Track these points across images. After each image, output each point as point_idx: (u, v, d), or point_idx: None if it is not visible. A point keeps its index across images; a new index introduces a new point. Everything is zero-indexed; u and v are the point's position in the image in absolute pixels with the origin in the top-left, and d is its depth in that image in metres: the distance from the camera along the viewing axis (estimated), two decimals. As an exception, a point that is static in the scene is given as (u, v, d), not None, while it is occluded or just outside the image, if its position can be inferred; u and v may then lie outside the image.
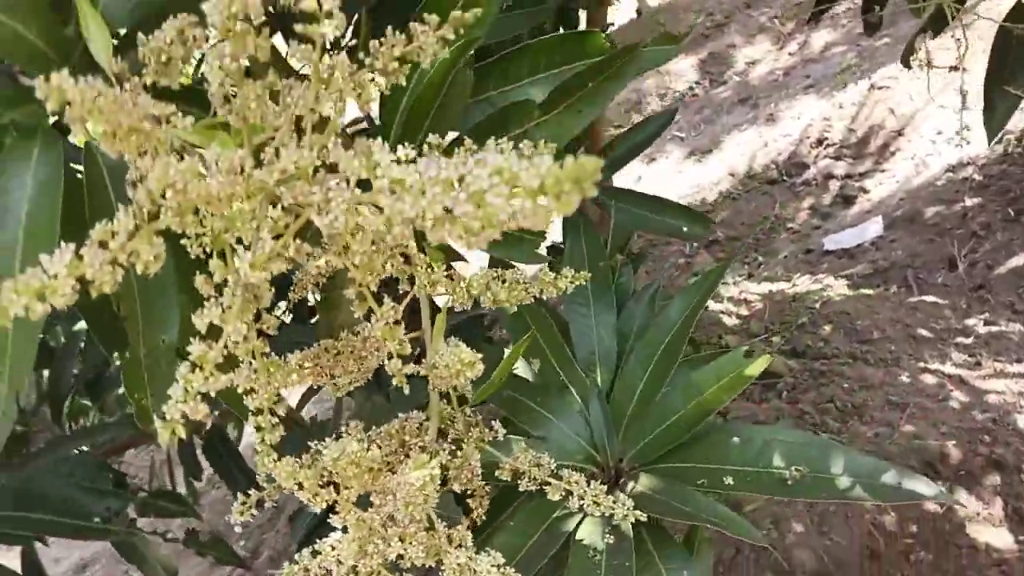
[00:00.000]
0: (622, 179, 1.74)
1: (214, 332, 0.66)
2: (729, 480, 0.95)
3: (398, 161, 0.56)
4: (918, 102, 5.33)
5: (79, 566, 4.76)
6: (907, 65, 1.68)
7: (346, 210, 0.56)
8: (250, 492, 0.88)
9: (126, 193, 0.75)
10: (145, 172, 0.66)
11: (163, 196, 0.56)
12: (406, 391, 0.83)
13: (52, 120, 0.85)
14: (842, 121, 5.72)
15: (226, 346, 0.64)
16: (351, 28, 1.22)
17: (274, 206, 0.61)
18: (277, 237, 0.61)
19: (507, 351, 1.27)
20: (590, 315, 1.21)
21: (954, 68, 1.57)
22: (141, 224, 0.60)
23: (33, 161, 0.74)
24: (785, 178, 5.55)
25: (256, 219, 0.61)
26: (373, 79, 0.68)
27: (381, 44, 0.68)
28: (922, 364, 3.13)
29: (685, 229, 1.46)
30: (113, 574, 4.46)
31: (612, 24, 1.76)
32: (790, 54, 7.47)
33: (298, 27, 0.61)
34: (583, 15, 1.75)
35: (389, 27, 0.69)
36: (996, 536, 2.53)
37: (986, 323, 3.44)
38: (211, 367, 0.62)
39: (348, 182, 0.57)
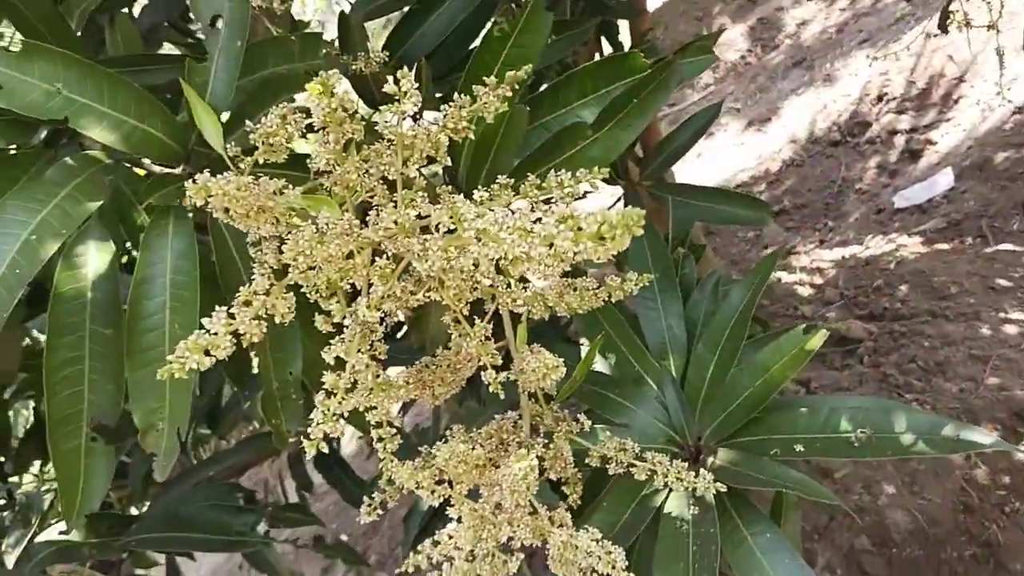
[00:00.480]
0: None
1: (338, 363, 0.78)
2: (800, 447, 1.04)
3: (478, 206, 0.67)
4: (976, 46, 5.22)
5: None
6: (944, 30, 1.72)
7: (441, 255, 0.68)
8: (374, 495, 1.02)
9: (247, 252, 0.89)
10: (265, 235, 0.80)
11: (293, 259, 0.69)
12: (501, 396, 0.95)
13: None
14: (901, 74, 5.63)
15: (351, 374, 0.76)
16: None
17: (379, 256, 0.73)
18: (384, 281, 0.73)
19: (583, 349, 1.39)
20: (658, 308, 1.31)
21: (991, 27, 1.60)
22: (274, 282, 0.73)
23: (170, 236, 0.88)
24: (848, 139, 5.50)
25: (366, 268, 0.73)
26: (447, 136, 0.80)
27: (451, 106, 0.80)
28: (1003, 315, 3.12)
29: (744, 216, 1.54)
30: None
31: (651, 29, 1.83)
32: (841, 10, 7.35)
33: (383, 107, 0.73)
34: (623, 23, 1.84)
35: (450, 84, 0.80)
36: (1093, 481, 2.53)
37: (1067, 266, 3.39)
38: (342, 393, 0.75)
39: (439, 231, 0.68)
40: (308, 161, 0.88)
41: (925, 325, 3.24)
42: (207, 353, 0.68)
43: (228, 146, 0.84)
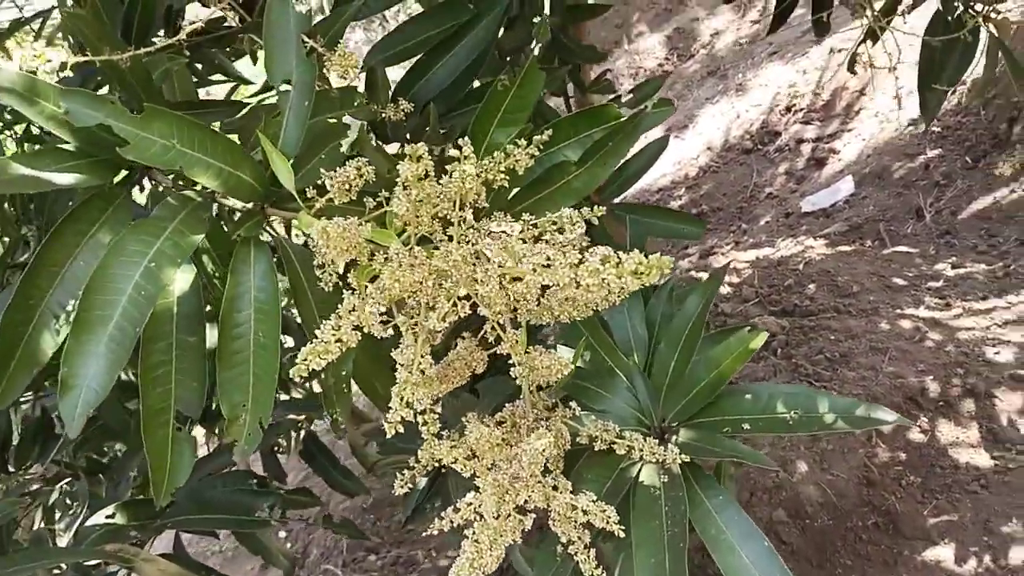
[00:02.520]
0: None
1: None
2: (747, 426, 1.29)
3: (523, 240, 0.89)
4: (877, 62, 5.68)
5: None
6: (852, 72, 2.02)
7: (496, 282, 0.90)
8: (404, 471, 1.23)
9: (313, 273, 1.10)
10: (330, 259, 1.00)
11: (391, 283, 0.90)
12: (520, 384, 1.18)
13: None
14: (808, 86, 6.06)
15: (418, 370, 0.97)
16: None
17: (445, 281, 0.95)
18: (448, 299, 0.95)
19: (560, 348, 1.62)
20: (624, 312, 1.56)
21: (891, 69, 1.91)
22: (359, 300, 0.94)
23: (252, 262, 1.07)
24: (760, 146, 5.91)
25: (435, 289, 0.95)
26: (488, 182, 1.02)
27: (490, 160, 1.02)
28: (899, 310, 3.50)
29: (684, 230, 1.81)
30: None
31: (608, 70, 2.06)
32: (752, 22, 7.78)
33: (449, 168, 0.94)
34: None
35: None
36: (974, 455, 2.91)
37: (954, 266, 3.81)
38: (411, 386, 0.96)
39: (497, 264, 0.90)
40: (364, 199, 1.09)
41: (831, 320, 3.60)
42: (320, 358, 0.89)
43: (308, 188, 1.04)
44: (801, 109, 5.92)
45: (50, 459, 2.00)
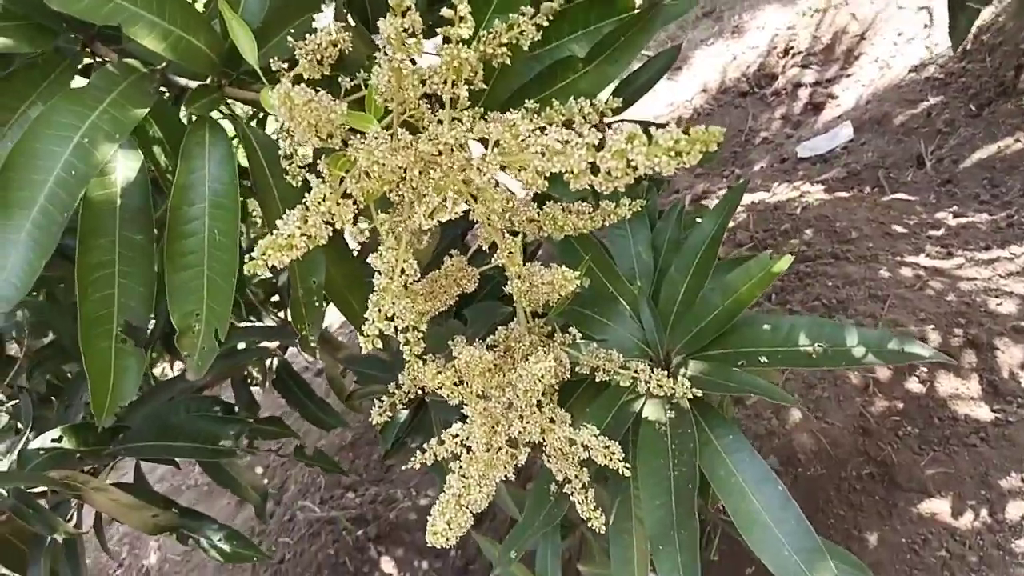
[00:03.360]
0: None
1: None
2: (764, 359, 1.16)
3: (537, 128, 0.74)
4: (878, 4, 5.51)
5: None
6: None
7: (495, 169, 0.75)
8: (383, 398, 1.09)
9: (276, 163, 0.94)
10: (298, 144, 0.85)
11: (368, 167, 0.75)
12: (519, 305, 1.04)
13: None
14: (806, 29, 5.87)
15: (399, 278, 0.83)
16: None
17: (434, 170, 0.80)
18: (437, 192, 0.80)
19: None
20: (627, 235, 1.41)
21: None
22: (332, 191, 0.79)
23: (207, 145, 0.92)
24: (756, 90, 5.72)
25: (421, 180, 0.80)
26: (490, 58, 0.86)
27: (489, 34, 0.86)
28: (899, 258, 3.38)
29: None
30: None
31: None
32: (750, -38, 7.54)
33: (440, 29, 0.79)
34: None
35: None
36: (974, 408, 2.82)
37: (955, 215, 3.68)
38: (392, 295, 0.82)
39: (498, 147, 0.75)
40: (339, 80, 0.93)
41: (828, 266, 3.48)
42: (284, 252, 0.74)
43: (272, 60, 0.88)
44: (799, 52, 5.73)
45: (6, 382, 1.86)
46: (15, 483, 1.17)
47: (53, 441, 1.28)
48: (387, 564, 3.50)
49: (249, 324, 2.14)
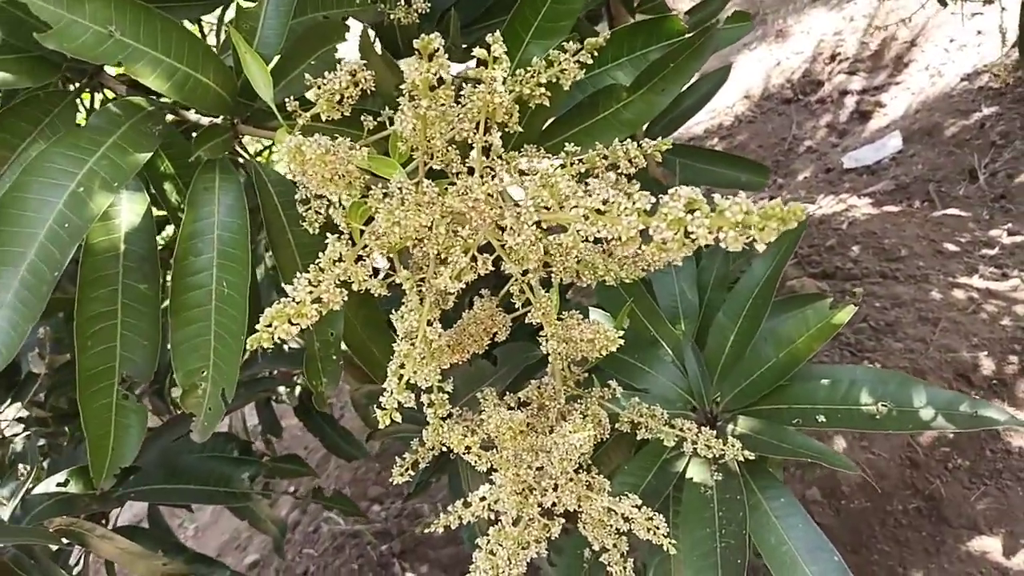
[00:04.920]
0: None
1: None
2: (821, 418, 1.07)
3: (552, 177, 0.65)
4: (929, 9, 5.32)
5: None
6: (943, 3, 1.75)
7: (533, 231, 0.67)
8: (406, 455, 1.01)
9: (293, 209, 0.86)
10: (315, 192, 0.77)
11: (388, 228, 0.66)
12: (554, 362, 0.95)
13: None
14: (854, 34, 5.70)
15: (422, 342, 0.75)
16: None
17: (462, 227, 0.71)
18: (465, 252, 0.72)
19: (592, 312, 1.39)
20: (671, 272, 1.32)
21: (988, 1, 1.63)
22: (349, 248, 0.71)
23: (217, 191, 0.84)
24: (801, 97, 5.57)
25: (447, 238, 0.71)
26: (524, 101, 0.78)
27: (527, 72, 0.78)
28: (951, 279, 3.24)
29: (744, 180, 1.55)
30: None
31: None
32: (795, -36, 7.36)
33: (472, 72, 0.70)
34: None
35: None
36: (1029, 439, 2.68)
37: (1010, 233, 3.52)
38: (414, 362, 0.73)
39: (533, 205, 0.67)
40: (362, 118, 0.85)
41: (876, 286, 3.34)
42: (291, 322, 0.66)
43: (287, 99, 0.80)
44: (846, 59, 5.57)
45: (28, 399, 1.81)
46: (15, 539, 1.11)
47: (59, 485, 1.22)
48: (412, 581, 3.44)
49: (273, 349, 2.08)
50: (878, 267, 3.42)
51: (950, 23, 5.16)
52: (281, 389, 2.45)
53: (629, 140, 0.86)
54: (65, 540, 1.19)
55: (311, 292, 0.67)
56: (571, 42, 0.81)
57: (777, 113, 5.57)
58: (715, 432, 1.03)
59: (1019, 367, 2.80)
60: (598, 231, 0.61)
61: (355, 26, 1.07)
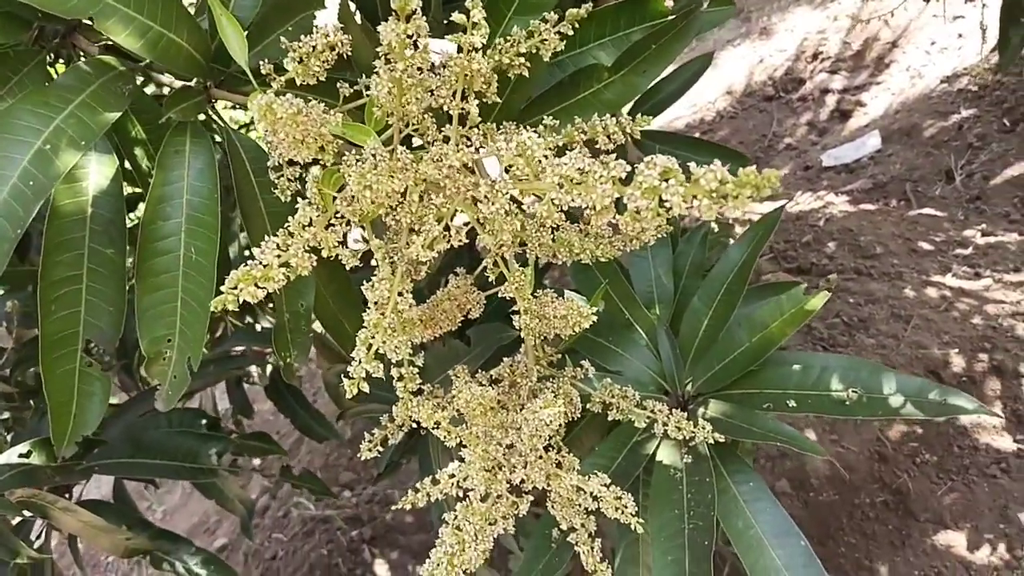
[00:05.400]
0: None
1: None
2: (792, 403, 1.07)
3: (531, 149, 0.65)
4: (911, 11, 5.36)
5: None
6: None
7: (506, 200, 0.66)
8: (375, 431, 1.00)
9: (265, 175, 0.85)
10: (287, 158, 0.75)
11: (360, 192, 0.65)
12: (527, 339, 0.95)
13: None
14: (837, 34, 5.73)
15: (392, 312, 0.74)
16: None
17: (435, 195, 0.70)
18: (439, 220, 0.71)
19: (568, 295, 1.38)
20: (647, 256, 1.31)
21: (970, -1, 1.63)
22: (320, 214, 0.70)
23: (187, 154, 0.82)
24: (782, 94, 5.59)
25: (420, 206, 0.70)
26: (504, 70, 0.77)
27: (506, 42, 0.77)
28: (924, 277, 3.26)
29: (722, 168, 1.55)
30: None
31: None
32: (780, -37, 7.38)
33: (450, 37, 0.69)
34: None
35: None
36: (996, 437, 2.70)
37: (984, 234, 3.56)
38: (383, 332, 0.72)
39: (509, 174, 0.66)
40: (338, 86, 0.84)
41: (850, 282, 3.37)
42: (257, 286, 0.64)
43: (261, 63, 0.79)
44: (828, 57, 5.60)
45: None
46: (-29, 507, 1.09)
47: (21, 456, 1.19)
48: (381, 567, 3.42)
49: (244, 326, 2.06)
50: (853, 264, 3.44)
51: (932, 25, 5.20)
52: (252, 369, 2.42)
53: (608, 116, 0.85)
54: (27, 512, 1.17)
55: (279, 256, 0.66)
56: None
57: (758, 110, 5.59)
58: (686, 415, 1.03)
59: (988, 365, 2.84)
60: (572, 199, 0.60)
61: (334, -4, 1.05)
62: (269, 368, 2.11)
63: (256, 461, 2.71)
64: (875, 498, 2.65)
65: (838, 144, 4.84)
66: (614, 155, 0.62)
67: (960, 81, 4.68)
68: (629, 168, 0.58)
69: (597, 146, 0.83)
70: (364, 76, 0.84)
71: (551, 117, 0.93)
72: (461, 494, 0.95)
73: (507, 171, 0.66)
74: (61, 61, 0.93)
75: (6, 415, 1.69)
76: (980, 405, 1.01)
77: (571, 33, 0.76)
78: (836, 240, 3.64)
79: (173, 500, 4.29)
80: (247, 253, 2.07)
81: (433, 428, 0.88)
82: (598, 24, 1.11)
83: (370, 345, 0.71)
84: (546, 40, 0.76)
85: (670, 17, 1.09)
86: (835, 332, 3.14)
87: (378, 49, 0.68)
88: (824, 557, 1.04)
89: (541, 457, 0.93)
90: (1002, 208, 3.76)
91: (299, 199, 0.73)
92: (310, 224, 0.68)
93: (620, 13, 1.11)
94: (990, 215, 3.75)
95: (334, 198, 0.72)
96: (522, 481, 0.91)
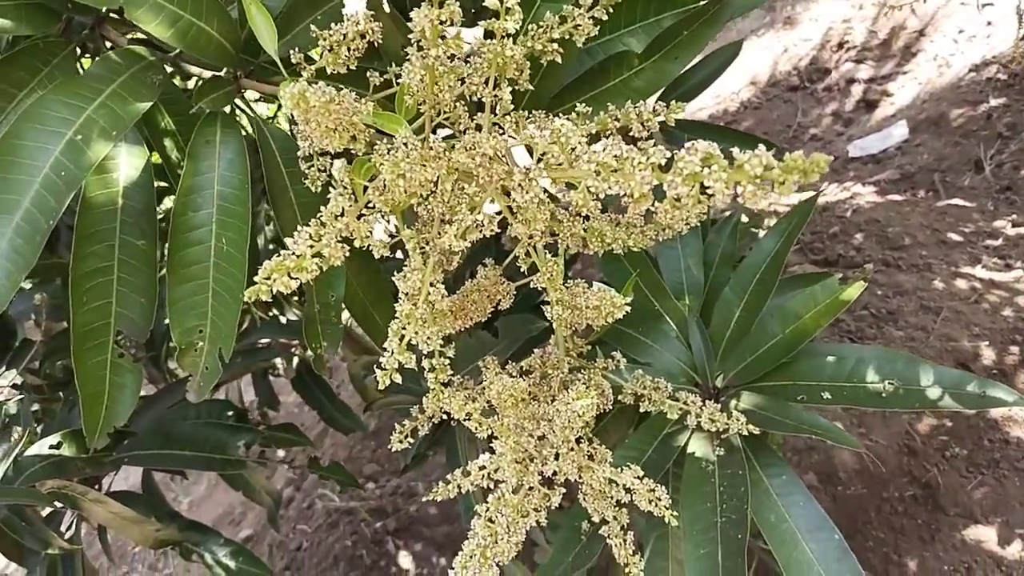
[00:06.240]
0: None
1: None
2: (827, 395, 1.05)
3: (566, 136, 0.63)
4: (939, 0, 5.28)
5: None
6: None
7: (540, 189, 0.65)
8: (405, 422, 0.99)
9: (295, 166, 0.84)
10: (314, 144, 0.75)
11: (392, 180, 0.64)
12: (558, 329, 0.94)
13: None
14: (863, 22, 5.66)
15: (424, 302, 0.73)
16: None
17: (469, 184, 0.69)
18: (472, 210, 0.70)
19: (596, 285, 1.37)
20: (676, 247, 1.30)
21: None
22: (352, 204, 0.69)
23: (218, 145, 0.82)
24: (807, 84, 5.53)
25: (452, 195, 0.69)
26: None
27: (539, 28, 0.76)
28: (954, 268, 3.22)
29: (751, 157, 1.52)
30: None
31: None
32: (804, -49, 7.30)
33: (482, 23, 0.68)
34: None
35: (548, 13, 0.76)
36: (1027, 430, 2.67)
37: (1014, 224, 3.50)
38: (416, 322, 0.72)
39: (543, 162, 0.65)
40: (368, 75, 0.83)
41: (878, 274, 3.33)
42: (291, 276, 0.64)
43: (291, 52, 0.78)
44: (854, 47, 5.53)
45: (23, 366, 1.79)
46: (6, 499, 1.10)
47: (51, 447, 1.20)
48: (404, 559, 3.43)
49: (270, 319, 2.06)
50: (881, 255, 3.40)
51: (960, 13, 5.12)
52: (278, 361, 2.43)
53: (641, 103, 0.84)
54: (58, 503, 1.17)
55: (312, 246, 0.65)
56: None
57: (783, 100, 5.54)
58: (719, 406, 1.02)
59: (1020, 358, 2.79)
60: (609, 187, 0.59)
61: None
62: (295, 360, 2.12)
63: (280, 453, 2.73)
64: (904, 492, 2.62)
65: (864, 134, 4.78)
66: (652, 142, 0.61)
67: (989, 70, 4.60)
68: (668, 154, 0.56)
69: (631, 134, 0.82)
70: (393, 65, 0.83)
71: (583, 105, 0.92)
72: (492, 486, 0.94)
73: (540, 159, 0.65)
74: (87, 56, 0.93)
75: (36, 407, 1.71)
76: (1020, 397, 0.99)
77: (605, 18, 0.75)
78: (863, 231, 3.59)
79: (199, 491, 4.32)
80: (272, 246, 2.07)
81: (464, 420, 0.88)
82: (629, 10, 1.10)
83: (402, 336, 0.71)
84: (579, 25, 0.75)
85: (701, 2, 1.07)
86: (863, 324, 3.10)
87: (410, 36, 0.67)
88: (852, 551, 1.02)
89: (573, 449, 0.92)
90: (1033, 198, 3.70)
91: (330, 189, 0.72)
92: (342, 214, 0.67)
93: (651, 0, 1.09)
94: (1020, 205, 3.69)
95: (365, 188, 0.71)
96: (554, 473, 0.90)
